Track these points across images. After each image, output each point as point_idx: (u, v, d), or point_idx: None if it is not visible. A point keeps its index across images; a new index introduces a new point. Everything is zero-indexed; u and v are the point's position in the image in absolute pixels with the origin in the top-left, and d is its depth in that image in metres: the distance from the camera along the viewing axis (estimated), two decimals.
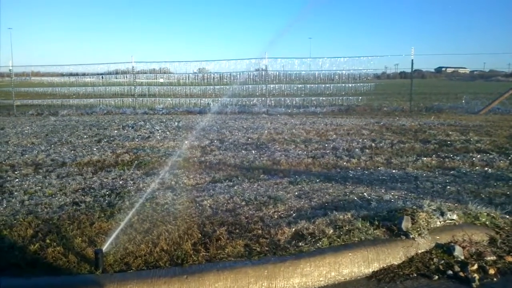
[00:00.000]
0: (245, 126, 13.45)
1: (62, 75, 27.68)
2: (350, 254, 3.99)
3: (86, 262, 3.80)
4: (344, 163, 7.73)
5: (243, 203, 5.33)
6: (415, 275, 3.93)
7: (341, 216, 4.66)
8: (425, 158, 8.01)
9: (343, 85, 21.85)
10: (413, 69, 20.96)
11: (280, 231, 4.34)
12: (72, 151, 9.20)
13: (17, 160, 8.27)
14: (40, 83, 27.86)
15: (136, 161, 7.99)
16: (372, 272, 3.97)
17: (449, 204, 5.13)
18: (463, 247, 4.28)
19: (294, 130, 12.10)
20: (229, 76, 22.77)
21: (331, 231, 4.31)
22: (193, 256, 3.89)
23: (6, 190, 6.15)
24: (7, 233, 4.41)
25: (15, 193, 5.98)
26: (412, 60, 19.42)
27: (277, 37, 4.81)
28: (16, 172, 7.25)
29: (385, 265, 4.05)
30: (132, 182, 6.45)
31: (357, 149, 8.99)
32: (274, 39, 4.78)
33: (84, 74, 26.42)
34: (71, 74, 27.24)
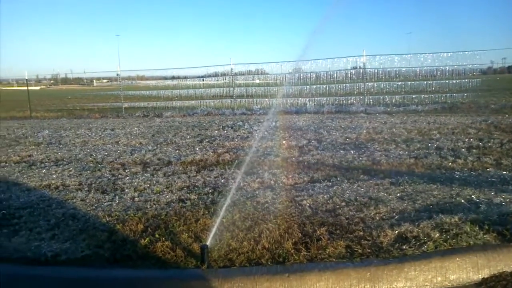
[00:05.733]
0: (342, 126, 13.27)
1: (165, 78, 29.15)
2: (457, 259, 3.80)
3: (192, 257, 3.98)
4: (449, 163, 7.36)
5: (343, 203, 5.27)
6: None
7: (447, 219, 4.47)
8: None
9: (447, 81, 20.79)
10: None
11: (382, 233, 4.24)
12: (177, 151, 9.65)
13: (127, 159, 8.85)
14: (146, 86, 29.53)
15: (236, 161, 8.20)
16: (482, 279, 3.76)
17: None
18: None
19: (394, 129, 11.73)
20: (325, 75, 22.55)
21: (437, 234, 4.14)
22: (294, 255, 3.92)
23: (118, 187, 6.60)
24: (120, 228, 4.74)
25: (126, 190, 6.41)
26: None
27: (310, 39, 4.66)
28: (126, 171, 7.76)
29: (496, 272, 3.81)
30: (233, 181, 6.63)
31: (463, 149, 8.53)
32: (309, 43, 4.64)
33: (185, 77, 27.57)
34: (173, 77, 28.58)
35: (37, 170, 8.09)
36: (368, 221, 4.65)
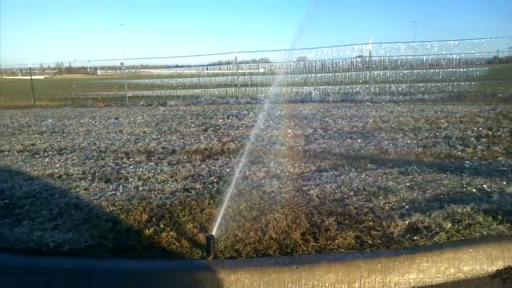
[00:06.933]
0: (348, 114, 13.12)
1: (168, 67, 29.05)
2: (471, 250, 3.70)
3: (197, 248, 3.89)
4: (459, 152, 7.23)
5: (351, 193, 5.16)
6: None
7: (459, 210, 4.36)
8: None
9: (454, 70, 20.60)
10: None
11: (392, 223, 4.13)
12: (181, 140, 9.55)
13: (131, 148, 8.75)
14: (149, 75, 29.46)
15: (241, 149, 8.09)
16: (496, 270, 3.66)
17: None
18: None
19: (401, 118, 11.58)
20: (331, 63, 22.37)
21: (449, 225, 4.03)
22: (302, 246, 3.82)
23: (122, 176, 6.51)
24: (124, 218, 4.65)
25: (130, 179, 6.31)
26: None
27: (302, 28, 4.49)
28: (130, 159, 7.66)
29: (511, 264, 3.70)
30: (238, 170, 6.52)
31: (472, 138, 8.39)
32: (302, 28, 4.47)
33: (189, 66, 27.48)
34: (177, 66, 28.49)
35: (40, 159, 8.01)
36: (378, 211, 4.54)
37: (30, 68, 28.19)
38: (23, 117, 16.30)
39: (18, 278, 3.72)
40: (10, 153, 8.84)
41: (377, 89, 20.63)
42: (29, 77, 27.22)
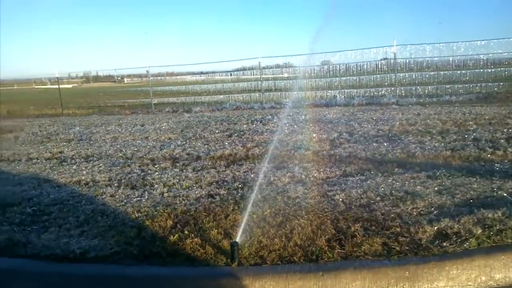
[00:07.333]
0: (374, 118, 12.95)
1: (193, 74, 29.26)
2: (503, 257, 3.57)
3: (222, 254, 3.87)
4: (488, 155, 7.04)
5: (378, 198, 5.07)
6: None
7: (490, 215, 4.24)
8: None
9: (481, 70, 20.13)
10: None
11: (421, 229, 4.04)
12: (206, 146, 9.57)
13: (156, 155, 8.81)
14: (174, 82, 29.68)
15: (266, 155, 8.06)
16: None
17: None
18: None
19: (428, 121, 11.36)
20: (355, 66, 22.14)
21: (480, 230, 3.92)
22: (328, 252, 3.77)
23: (148, 182, 6.55)
24: (149, 224, 4.67)
25: (155, 185, 6.35)
26: None
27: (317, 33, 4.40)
28: (156, 166, 7.71)
29: None
30: (263, 176, 6.49)
31: (502, 140, 8.16)
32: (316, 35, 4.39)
33: (213, 72, 27.59)
34: (201, 73, 28.67)
35: (67, 166, 8.13)
36: (405, 216, 4.44)
37: (58, 77, 28.72)
38: (51, 125, 16.62)
39: (45, 285, 3.76)
40: (39, 160, 9.01)
41: (403, 91, 20.30)
42: (57, 86, 27.72)
